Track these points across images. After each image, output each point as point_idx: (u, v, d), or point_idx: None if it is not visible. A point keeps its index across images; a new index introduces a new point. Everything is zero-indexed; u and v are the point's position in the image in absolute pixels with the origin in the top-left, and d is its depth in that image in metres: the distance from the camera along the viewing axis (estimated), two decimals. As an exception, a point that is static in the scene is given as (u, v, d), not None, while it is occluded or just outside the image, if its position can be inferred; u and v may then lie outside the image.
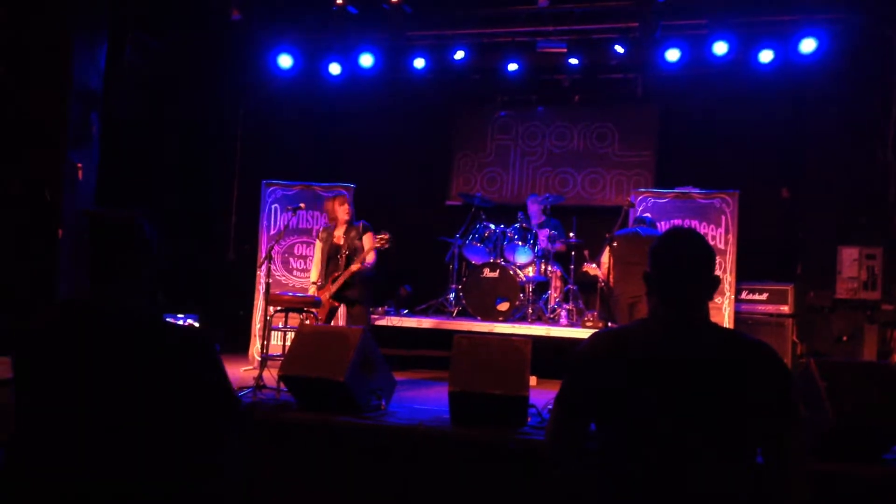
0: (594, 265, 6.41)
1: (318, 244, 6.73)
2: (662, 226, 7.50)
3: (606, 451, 2.08)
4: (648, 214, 7.13)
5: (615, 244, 6.38)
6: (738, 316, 7.27)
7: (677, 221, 7.46)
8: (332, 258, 6.51)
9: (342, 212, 6.57)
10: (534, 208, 8.27)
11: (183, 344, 2.09)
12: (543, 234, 8.04)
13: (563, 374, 2.20)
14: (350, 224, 6.58)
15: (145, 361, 2.03)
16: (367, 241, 6.43)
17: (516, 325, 7.38)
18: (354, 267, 6.30)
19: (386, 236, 6.30)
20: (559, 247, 8.12)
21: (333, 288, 6.36)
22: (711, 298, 2.16)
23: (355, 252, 6.42)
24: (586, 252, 7.65)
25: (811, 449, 3.69)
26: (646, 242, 6.28)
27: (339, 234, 6.58)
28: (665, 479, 1.98)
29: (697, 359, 2.03)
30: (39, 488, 2.00)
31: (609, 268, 6.40)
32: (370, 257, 6.33)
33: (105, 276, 2.13)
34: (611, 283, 6.39)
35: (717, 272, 7.29)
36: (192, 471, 2.09)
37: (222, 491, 2.16)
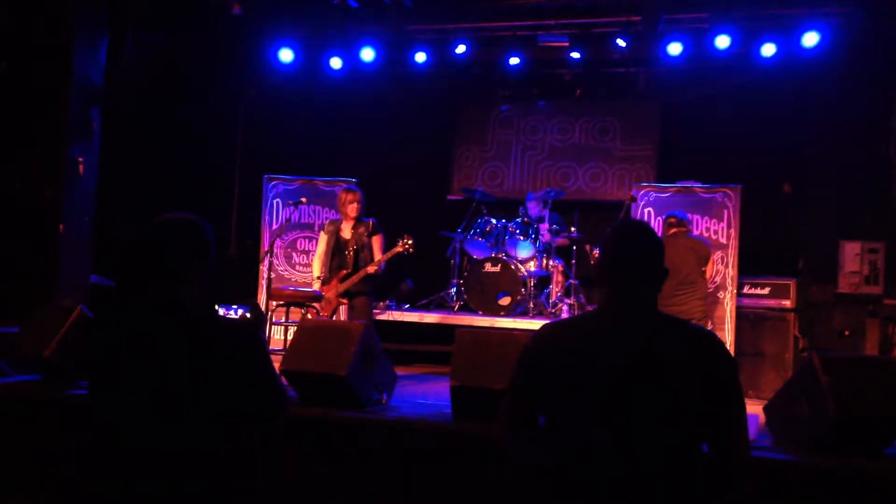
0: None
1: (324, 236, 6.61)
2: (664, 220, 7.51)
3: (554, 440, 2.12)
4: (679, 211, 6.91)
5: None
6: (740, 311, 7.26)
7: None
8: (338, 253, 6.43)
9: (351, 209, 6.43)
10: (532, 206, 8.24)
11: (235, 336, 2.23)
12: (544, 229, 8.03)
13: (515, 364, 2.23)
14: (359, 220, 6.48)
15: (201, 353, 2.18)
16: (377, 243, 6.37)
17: (518, 320, 7.38)
18: (371, 269, 6.23)
19: (410, 241, 6.26)
20: (561, 241, 8.11)
21: (342, 287, 6.30)
22: (660, 290, 2.20)
23: (363, 249, 6.36)
24: (587, 247, 7.64)
25: (814, 443, 3.69)
26: (693, 253, 6.20)
27: (346, 229, 6.48)
28: (610, 470, 2.01)
29: (644, 348, 2.06)
30: (108, 481, 2.16)
31: None
32: (382, 262, 6.28)
33: (173, 278, 2.26)
34: None
35: (719, 266, 7.28)
36: (235, 455, 2.23)
37: (255, 477, 2.30)
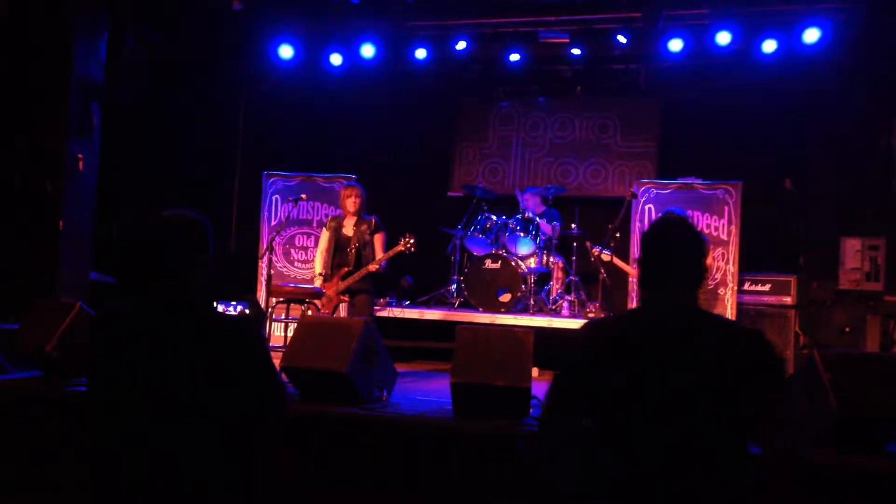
0: (606, 252, 6.25)
1: (326, 233, 6.58)
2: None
3: (596, 442, 2.10)
4: (677, 207, 6.89)
5: None
6: (741, 307, 7.26)
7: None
8: (339, 250, 6.41)
9: (350, 203, 6.41)
10: (531, 201, 8.23)
11: (236, 333, 2.25)
12: (545, 225, 8.02)
13: (558, 363, 2.21)
14: (361, 217, 6.46)
15: (203, 350, 2.19)
16: (378, 241, 6.35)
17: (518, 317, 7.37)
18: (373, 267, 6.21)
19: (412, 240, 6.25)
20: (558, 230, 8.08)
21: (342, 285, 6.29)
22: (701, 285, 2.18)
23: (365, 246, 6.34)
24: (588, 243, 7.64)
25: (815, 439, 3.69)
26: None
27: (348, 226, 6.45)
28: (654, 470, 1.99)
29: (689, 348, 2.04)
30: (110, 477, 2.18)
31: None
32: (383, 261, 6.27)
33: (174, 274, 2.27)
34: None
35: (719, 262, 7.27)
36: (236, 452, 2.24)
37: (256, 474, 2.30)
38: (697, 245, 2.18)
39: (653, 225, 2.27)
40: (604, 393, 2.08)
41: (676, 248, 2.15)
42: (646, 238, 2.22)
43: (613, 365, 2.07)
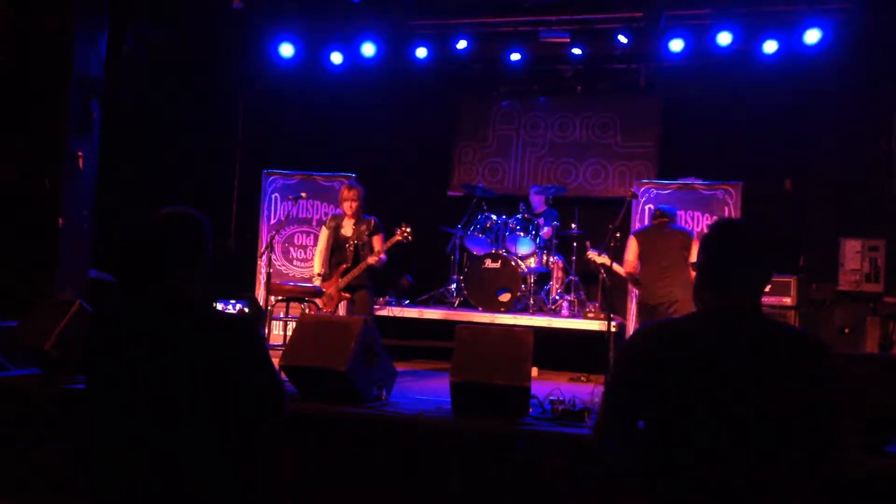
0: (600, 253, 6.28)
1: (325, 232, 6.54)
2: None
3: (652, 448, 2.05)
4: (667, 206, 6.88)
5: (641, 241, 6.23)
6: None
7: (680, 213, 7.44)
8: (338, 249, 6.39)
9: (348, 206, 6.36)
10: (536, 199, 8.25)
11: (235, 332, 2.24)
12: (545, 225, 8.02)
13: (611, 366, 2.18)
14: (360, 217, 6.42)
15: (202, 349, 2.18)
16: (377, 241, 6.32)
17: (518, 316, 7.37)
18: (372, 260, 6.19)
19: (408, 229, 6.24)
20: (558, 229, 8.09)
21: (343, 282, 6.27)
22: (762, 291, 2.14)
23: (363, 246, 6.32)
24: (588, 243, 7.63)
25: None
26: (676, 240, 6.18)
27: (347, 226, 6.42)
28: (711, 479, 1.95)
29: (748, 354, 1.99)
30: (109, 476, 2.18)
31: (634, 266, 6.20)
32: (383, 255, 6.26)
33: (171, 272, 2.27)
34: (639, 281, 6.22)
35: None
36: (235, 451, 2.23)
37: (255, 472, 2.33)
38: (758, 249, 2.13)
39: (713, 229, 2.21)
40: (663, 403, 2.03)
41: (739, 251, 2.11)
42: (708, 239, 2.17)
43: (674, 373, 2.02)
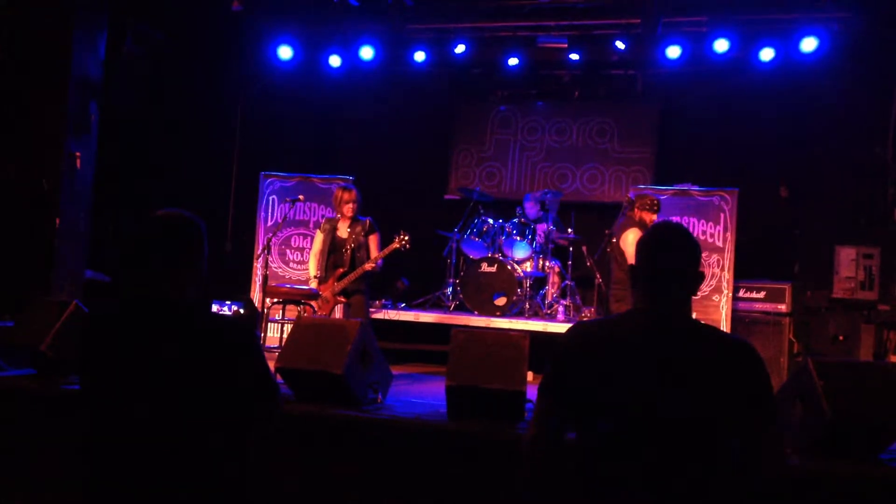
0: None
1: (320, 234, 6.54)
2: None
3: (582, 447, 2.07)
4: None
5: None
6: (736, 314, 7.28)
7: (676, 218, 7.45)
8: (334, 252, 6.38)
9: (348, 207, 6.35)
10: (530, 206, 8.24)
11: (230, 333, 2.25)
12: (541, 230, 8.03)
13: (545, 364, 2.20)
14: (355, 219, 6.42)
15: (197, 351, 2.19)
16: (373, 242, 6.33)
17: (514, 320, 7.38)
18: (369, 266, 6.19)
19: (406, 237, 6.24)
20: (558, 240, 8.10)
21: (339, 286, 6.27)
22: (695, 294, 2.18)
23: (360, 248, 6.32)
24: (584, 248, 7.65)
25: (808, 447, 3.70)
26: None
27: (342, 228, 6.42)
28: (638, 479, 1.97)
29: (678, 356, 2.02)
30: (104, 477, 2.18)
31: None
32: (380, 259, 6.26)
33: (167, 274, 2.27)
34: None
35: (714, 269, 7.29)
36: (228, 450, 2.23)
37: (248, 475, 2.30)
38: (693, 251, 2.16)
39: (649, 230, 2.26)
40: (589, 401, 2.06)
41: (672, 254, 2.14)
42: (641, 243, 2.21)
43: (599, 371, 2.05)
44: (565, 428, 2.14)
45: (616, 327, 2.15)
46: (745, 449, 2.00)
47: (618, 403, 2.01)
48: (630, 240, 6.32)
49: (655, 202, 6.59)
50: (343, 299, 6.31)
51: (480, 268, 7.78)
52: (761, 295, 7.37)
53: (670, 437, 1.96)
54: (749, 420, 1.99)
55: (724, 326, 7.11)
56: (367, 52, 8.38)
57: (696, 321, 2.14)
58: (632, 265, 2.21)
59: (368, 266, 6.20)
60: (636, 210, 6.60)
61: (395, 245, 6.25)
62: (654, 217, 6.49)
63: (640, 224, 6.46)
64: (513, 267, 7.72)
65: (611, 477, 2.01)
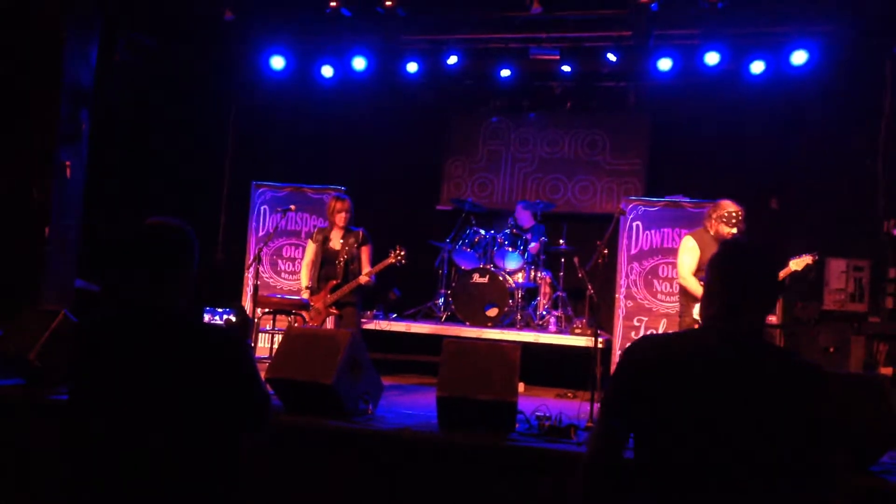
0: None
1: (312, 245, 6.47)
2: (652, 234, 7.53)
3: (642, 460, 2.04)
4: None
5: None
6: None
7: (667, 230, 7.48)
8: (327, 263, 6.33)
9: (340, 218, 6.30)
10: (523, 214, 8.26)
11: (220, 343, 2.25)
12: (533, 240, 8.04)
13: (609, 380, 2.17)
14: (348, 229, 6.38)
15: (187, 360, 2.19)
16: (365, 253, 6.30)
17: (505, 331, 7.38)
18: (363, 280, 6.17)
19: (402, 252, 6.23)
20: (545, 245, 8.10)
21: (331, 298, 6.22)
22: (770, 312, 2.14)
23: (353, 260, 6.29)
24: (576, 259, 7.66)
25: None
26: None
27: (335, 239, 6.36)
28: (696, 495, 1.94)
29: (749, 376, 1.98)
30: (92, 486, 2.17)
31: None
32: (374, 273, 6.24)
33: (157, 283, 2.27)
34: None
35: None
36: (218, 460, 2.23)
37: (237, 485, 2.29)
38: (771, 269, 2.13)
39: (724, 246, 2.21)
40: (655, 419, 2.01)
41: (747, 272, 2.10)
42: (718, 258, 2.16)
43: (668, 389, 2.00)
44: (625, 445, 2.10)
45: (685, 344, 2.10)
46: (809, 475, 1.95)
47: (685, 423, 1.97)
48: (681, 248, 5.78)
49: (734, 215, 5.54)
50: (335, 311, 6.28)
51: (472, 278, 7.78)
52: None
53: (735, 458, 1.92)
54: (814, 446, 1.94)
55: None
56: (359, 63, 8.39)
57: (768, 342, 2.10)
58: (705, 279, 2.16)
59: (362, 280, 6.17)
60: (713, 221, 5.60)
61: (391, 260, 6.23)
62: (733, 231, 5.54)
63: (715, 237, 5.62)
64: (504, 278, 7.72)
65: (671, 497, 1.97)
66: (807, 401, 1.96)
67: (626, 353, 2.14)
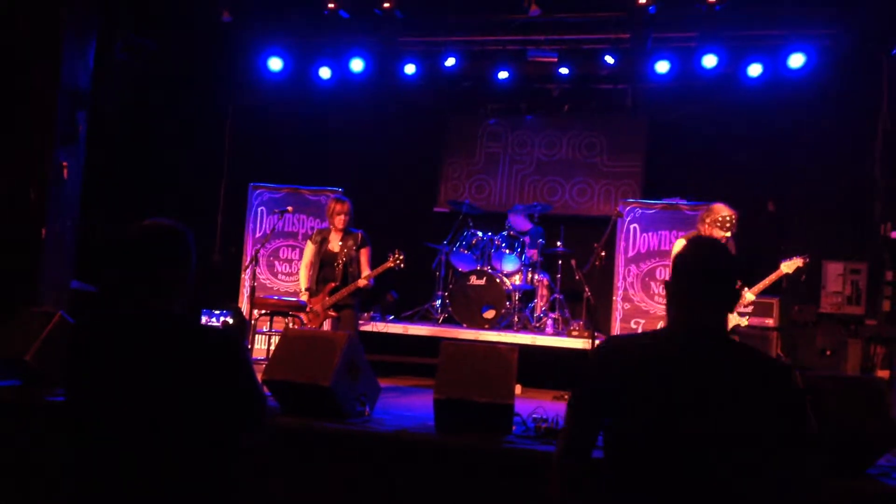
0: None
1: (311, 246, 6.44)
2: (649, 236, 7.54)
3: (611, 460, 2.05)
4: None
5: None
6: (723, 328, 7.28)
7: (665, 232, 7.49)
8: (325, 265, 6.30)
9: (339, 220, 6.27)
10: (517, 219, 8.23)
11: (217, 344, 2.24)
12: (531, 246, 8.04)
13: (577, 376, 2.18)
14: (347, 231, 6.35)
15: (183, 361, 2.18)
16: (364, 255, 6.28)
17: (502, 333, 7.38)
18: (362, 283, 6.16)
19: (401, 256, 6.22)
20: (543, 247, 8.10)
21: (330, 301, 6.21)
22: (732, 311, 2.16)
23: (351, 263, 6.27)
24: (573, 261, 7.66)
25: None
26: None
27: (334, 241, 6.33)
28: (666, 499, 1.94)
29: (713, 375, 1.99)
30: (89, 488, 2.17)
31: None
32: (372, 277, 6.24)
33: (154, 284, 2.27)
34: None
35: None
36: (215, 461, 2.22)
37: (234, 487, 2.29)
38: (730, 267, 2.14)
39: (685, 247, 2.23)
40: (620, 419, 2.03)
41: (709, 271, 2.11)
42: (678, 258, 2.18)
43: (633, 389, 2.01)
44: (593, 445, 2.12)
45: (651, 344, 2.12)
46: (776, 473, 1.96)
47: (650, 422, 1.98)
48: (674, 251, 5.57)
49: (728, 218, 5.46)
50: (333, 313, 6.26)
51: (469, 280, 7.78)
52: (749, 309, 7.36)
53: (700, 457, 1.93)
54: (781, 444, 1.95)
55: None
56: (357, 65, 8.39)
57: (734, 340, 2.11)
58: (666, 281, 2.18)
59: (361, 283, 6.15)
60: (706, 225, 5.52)
61: (390, 264, 6.23)
62: (727, 235, 5.44)
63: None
64: (502, 280, 7.72)
65: (639, 496, 1.98)
66: (771, 396, 1.97)
67: (593, 354, 2.17)
